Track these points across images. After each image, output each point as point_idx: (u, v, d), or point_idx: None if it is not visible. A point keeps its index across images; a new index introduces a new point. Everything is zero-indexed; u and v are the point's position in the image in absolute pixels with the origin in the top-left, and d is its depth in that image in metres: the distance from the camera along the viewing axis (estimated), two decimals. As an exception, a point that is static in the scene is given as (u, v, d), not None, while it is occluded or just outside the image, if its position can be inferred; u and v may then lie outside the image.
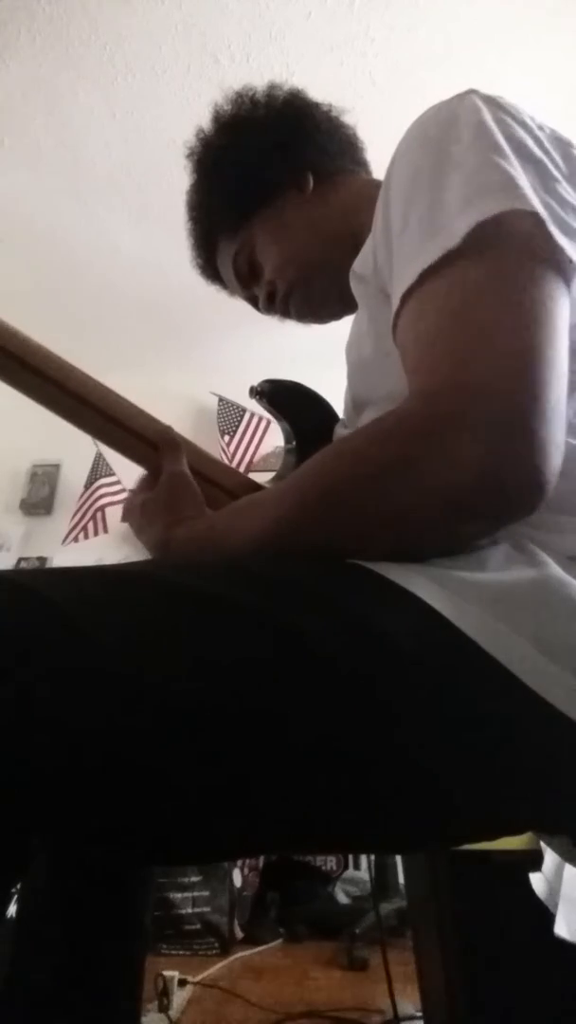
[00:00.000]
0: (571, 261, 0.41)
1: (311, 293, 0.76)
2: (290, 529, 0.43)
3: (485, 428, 0.37)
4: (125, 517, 0.66)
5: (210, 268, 0.84)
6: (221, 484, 0.68)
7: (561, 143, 0.48)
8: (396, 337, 0.46)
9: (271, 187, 0.74)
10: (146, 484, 0.67)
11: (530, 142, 0.46)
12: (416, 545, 0.41)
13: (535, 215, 0.40)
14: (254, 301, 0.82)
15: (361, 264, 0.56)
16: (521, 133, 0.46)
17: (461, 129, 0.46)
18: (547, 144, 0.47)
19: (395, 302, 0.45)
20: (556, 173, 0.45)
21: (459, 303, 0.41)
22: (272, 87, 0.78)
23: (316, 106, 0.78)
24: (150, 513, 0.60)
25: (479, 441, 0.37)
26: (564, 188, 0.44)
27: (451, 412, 0.38)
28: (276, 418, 0.78)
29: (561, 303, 0.41)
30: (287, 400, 0.77)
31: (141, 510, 0.62)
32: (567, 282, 0.42)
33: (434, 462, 0.38)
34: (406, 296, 0.44)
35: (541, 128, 0.48)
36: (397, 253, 0.47)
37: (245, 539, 0.45)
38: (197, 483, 0.67)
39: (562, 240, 0.41)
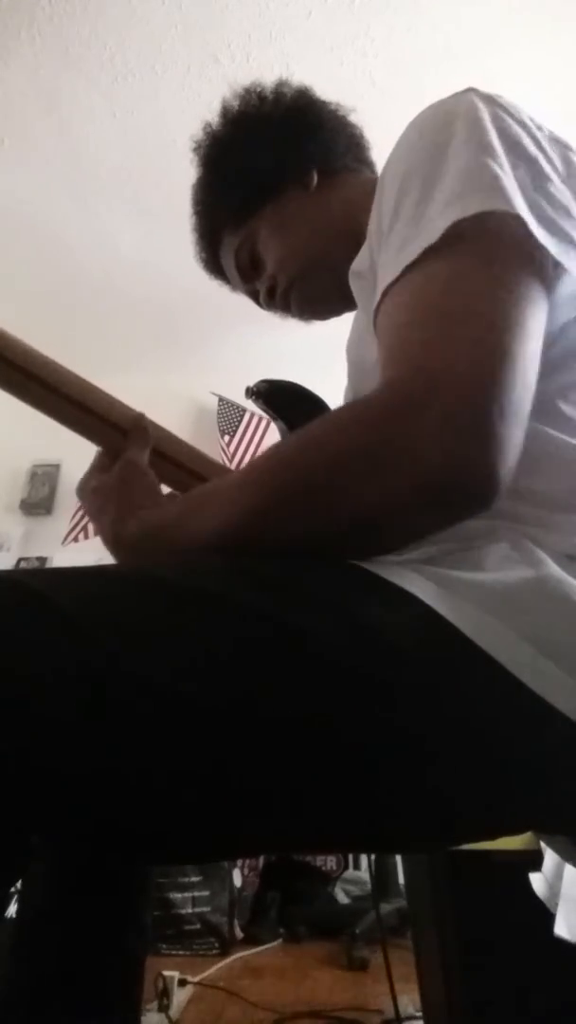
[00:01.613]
0: (555, 262, 0.41)
1: (311, 289, 0.76)
2: (251, 522, 0.41)
3: (444, 418, 0.36)
4: (78, 496, 0.64)
5: (213, 262, 0.84)
6: (192, 469, 0.68)
7: (559, 144, 0.48)
8: (376, 330, 0.46)
9: (275, 182, 0.74)
10: (100, 466, 0.65)
11: (526, 139, 0.46)
12: (374, 537, 0.40)
13: (517, 217, 0.40)
14: (255, 296, 0.82)
15: (359, 262, 0.56)
16: (517, 130, 0.46)
17: (455, 128, 0.46)
18: (544, 143, 0.47)
19: (377, 296, 0.45)
20: (550, 172, 0.45)
21: (431, 296, 0.41)
22: (280, 84, 0.78)
23: (323, 104, 0.79)
24: (101, 499, 0.59)
25: (438, 431, 0.36)
26: (556, 187, 0.44)
27: (413, 400, 0.37)
28: (273, 418, 0.78)
29: (536, 304, 0.41)
30: (283, 400, 0.77)
31: (93, 494, 0.61)
32: (546, 285, 0.42)
33: (394, 450, 0.37)
34: (386, 290, 0.44)
35: (540, 128, 0.48)
36: (384, 249, 0.47)
37: (204, 532, 0.43)
38: (171, 470, 0.66)
39: (545, 239, 0.41)
